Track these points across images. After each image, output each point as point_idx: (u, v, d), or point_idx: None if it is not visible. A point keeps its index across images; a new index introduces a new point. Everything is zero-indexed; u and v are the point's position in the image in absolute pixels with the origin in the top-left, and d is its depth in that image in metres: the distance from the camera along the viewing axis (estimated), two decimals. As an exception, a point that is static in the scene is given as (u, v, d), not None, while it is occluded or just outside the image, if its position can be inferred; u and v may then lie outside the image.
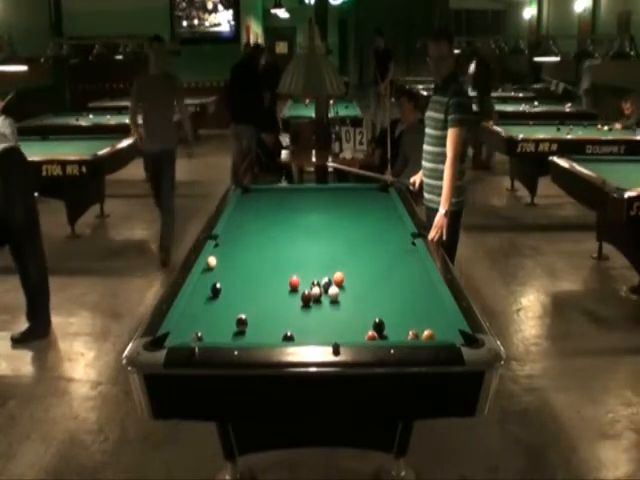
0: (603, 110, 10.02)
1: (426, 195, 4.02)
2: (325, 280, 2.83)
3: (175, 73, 6.00)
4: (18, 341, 4.32)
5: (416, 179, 4.20)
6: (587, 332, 4.47)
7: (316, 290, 2.76)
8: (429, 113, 3.91)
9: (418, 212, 4.05)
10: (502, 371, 2.18)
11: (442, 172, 3.75)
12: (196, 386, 2.21)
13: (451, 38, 3.86)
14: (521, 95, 12.03)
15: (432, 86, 12.22)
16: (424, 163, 4.00)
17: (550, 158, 6.20)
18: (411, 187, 4.27)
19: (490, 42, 11.94)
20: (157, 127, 5.76)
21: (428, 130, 3.92)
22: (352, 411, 2.27)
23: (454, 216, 3.79)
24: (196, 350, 2.16)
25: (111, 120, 9.30)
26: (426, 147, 3.95)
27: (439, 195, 3.76)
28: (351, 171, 5.21)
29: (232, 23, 13.22)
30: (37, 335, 4.35)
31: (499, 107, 10.30)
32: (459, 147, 3.72)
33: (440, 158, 3.79)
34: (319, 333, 2.44)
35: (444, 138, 3.75)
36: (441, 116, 3.76)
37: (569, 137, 7.46)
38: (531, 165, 7.29)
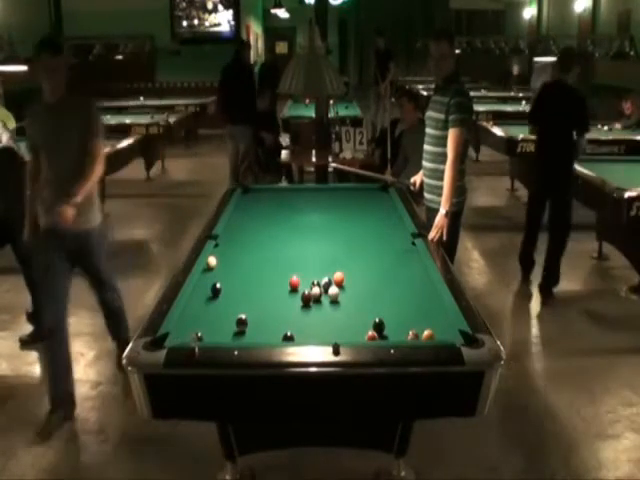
0: (603, 110, 10.02)
1: (426, 195, 4.02)
2: (325, 280, 2.83)
3: (82, 94, 3.60)
4: (27, 343, 4.30)
5: (416, 179, 4.20)
6: (587, 332, 4.47)
7: (316, 290, 2.76)
8: (430, 113, 3.91)
9: (418, 212, 4.05)
10: (502, 371, 2.18)
11: (443, 172, 3.74)
12: (196, 386, 2.21)
13: (452, 38, 3.86)
14: (521, 95, 12.03)
15: (432, 86, 12.24)
16: (424, 163, 4.00)
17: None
18: (411, 187, 4.27)
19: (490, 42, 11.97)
20: (66, 190, 3.30)
21: (429, 130, 3.92)
22: (352, 411, 2.27)
23: (454, 216, 3.79)
24: (196, 350, 2.16)
25: (111, 120, 9.29)
26: (426, 147, 3.95)
27: (439, 195, 3.76)
28: (352, 171, 5.21)
29: (232, 23, 13.23)
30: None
31: (499, 107, 10.31)
32: (460, 147, 3.71)
33: (441, 158, 3.79)
34: (319, 333, 2.44)
35: (445, 138, 3.75)
36: (442, 116, 3.76)
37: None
38: (531, 165, 7.27)
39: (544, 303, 4.91)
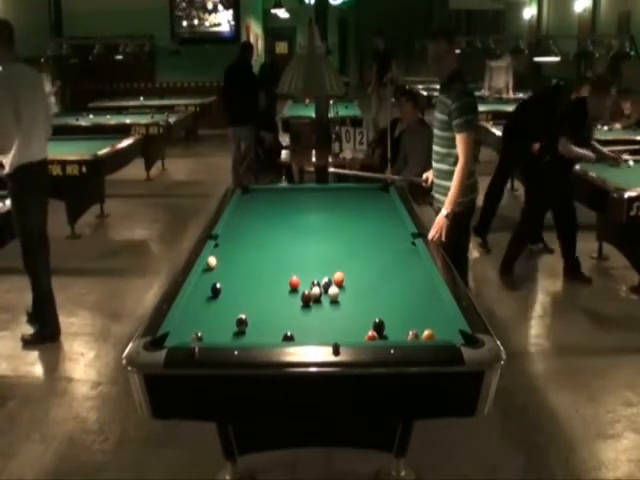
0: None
1: (435, 195, 4.01)
2: (325, 280, 2.83)
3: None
4: (28, 342, 4.30)
5: (429, 175, 4.17)
6: (587, 332, 4.47)
7: (316, 290, 2.76)
8: (435, 114, 3.89)
9: (419, 212, 4.04)
10: (502, 371, 2.18)
11: (448, 172, 3.74)
12: (196, 386, 2.21)
13: (449, 35, 3.79)
14: (521, 95, 12.02)
15: (432, 86, 12.22)
16: (433, 163, 3.98)
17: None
18: (423, 184, 4.25)
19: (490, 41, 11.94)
20: None
21: (435, 131, 3.91)
22: (352, 411, 2.27)
23: (459, 216, 3.77)
24: (196, 350, 2.16)
25: (111, 120, 9.31)
26: (434, 147, 3.94)
27: (445, 195, 3.75)
28: (351, 174, 5.21)
29: (232, 23, 13.22)
30: (45, 339, 4.32)
31: (499, 107, 10.29)
32: (471, 150, 3.69)
33: (447, 158, 3.79)
34: (319, 333, 2.44)
35: (449, 139, 3.74)
36: (445, 117, 3.74)
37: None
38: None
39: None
